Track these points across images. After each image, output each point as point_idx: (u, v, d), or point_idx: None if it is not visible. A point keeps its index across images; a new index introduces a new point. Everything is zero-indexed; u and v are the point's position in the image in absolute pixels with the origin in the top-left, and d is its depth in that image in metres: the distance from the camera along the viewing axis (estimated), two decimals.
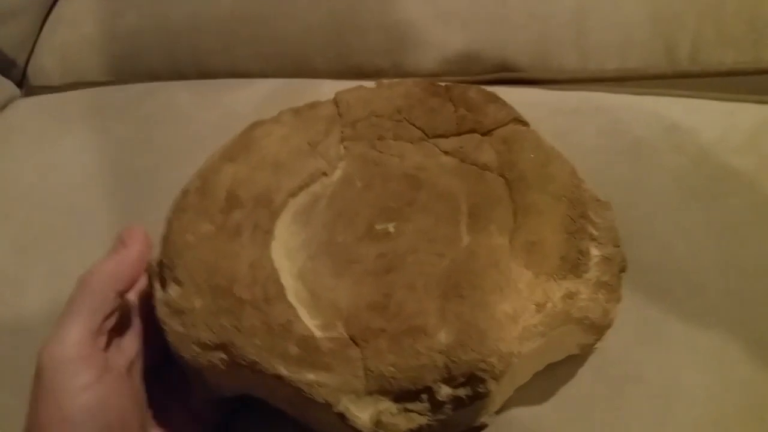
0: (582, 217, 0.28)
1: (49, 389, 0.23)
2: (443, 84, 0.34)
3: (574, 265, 0.27)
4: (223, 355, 0.26)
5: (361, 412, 0.25)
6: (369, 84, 0.35)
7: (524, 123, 0.33)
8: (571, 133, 0.37)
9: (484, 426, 0.28)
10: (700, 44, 0.41)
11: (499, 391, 0.26)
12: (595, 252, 0.28)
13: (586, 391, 0.30)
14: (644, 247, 0.32)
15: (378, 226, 0.29)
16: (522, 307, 0.26)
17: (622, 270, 0.29)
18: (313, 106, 0.34)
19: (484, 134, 0.32)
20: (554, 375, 0.29)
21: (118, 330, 0.27)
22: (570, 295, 0.26)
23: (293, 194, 0.31)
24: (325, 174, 0.32)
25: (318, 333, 0.26)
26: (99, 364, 0.24)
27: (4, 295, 0.36)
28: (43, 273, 0.37)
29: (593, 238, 0.28)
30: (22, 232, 0.39)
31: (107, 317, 0.25)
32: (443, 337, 0.25)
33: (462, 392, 0.25)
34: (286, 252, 0.29)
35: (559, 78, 0.43)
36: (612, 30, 0.42)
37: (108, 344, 0.26)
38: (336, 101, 0.34)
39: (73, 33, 0.50)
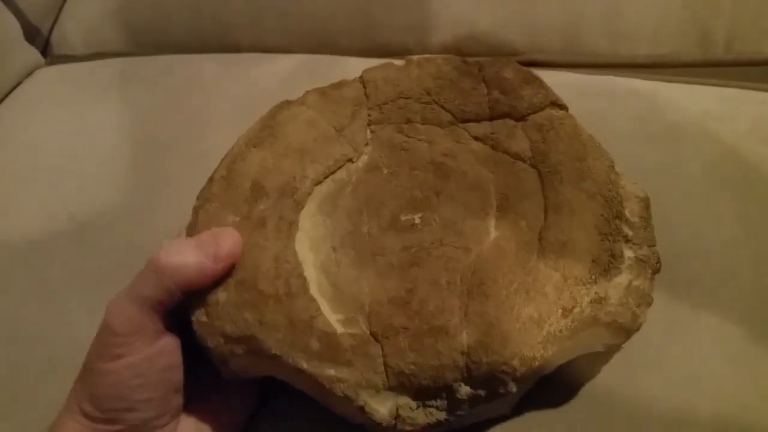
0: (617, 217, 0.27)
1: (104, 344, 0.25)
2: (477, 61, 0.32)
3: (605, 269, 0.26)
4: (246, 347, 0.26)
5: (381, 406, 0.25)
6: (398, 61, 0.33)
7: (562, 106, 0.31)
8: (603, 116, 0.36)
9: (503, 416, 0.27)
10: (735, 32, 0.40)
11: (520, 389, 0.26)
12: (628, 254, 0.27)
13: (608, 378, 0.29)
14: (674, 234, 0.32)
15: (404, 217, 0.28)
16: (548, 311, 0.25)
17: (656, 271, 0.27)
18: (339, 86, 0.33)
19: (518, 120, 0.31)
20: (577, 364, 0.28)
21: None
22: (599, 300, 0.25)
23: (318, 182, 0.30)
24: (350, 160, 0.31)
25: (340, 329, 0.25)
26: (152, 330, 0.25)
27: (31, 261, 0.36)
28: (69, 239, 0.37)
29: (627, 239, 0.27)
30: (48, 197, 0.38)
31: (168, 303, 0.25)
32: (465, 338, 0.25)
33: (482, 391, 0.25)
34: (311, 243, 0.28)
35: (590, 62, 0.41)
36: (645, 15, 0.41)
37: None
38: (363, 81, 0.33)
39: (97, 4, 0.49)
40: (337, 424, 0.27)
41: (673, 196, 0.33)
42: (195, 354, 0.27)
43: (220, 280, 0.26)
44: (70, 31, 0.50)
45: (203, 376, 0.28)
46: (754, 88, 0.37)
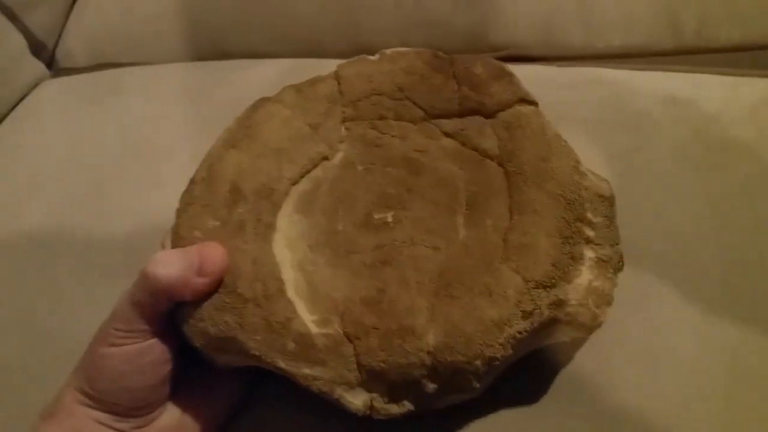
0: (579, 220, 0.27)
1: (105, 333, 0.26)
2: (448, 56, 0.32)
3: (565, 272, 0.26)
4: (229, 347, 0.26)
5: (355, 399, 0.25)
6: (372, 57, 0.33)
7: (531, 102, 0.30)
8: (574, 105, 0.36)
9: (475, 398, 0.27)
10: (706, 19, 0.39)
11: (489, 377, 0.26)
12: (589, 254, 0.26)
13: (574, 356, 0.29)
14: (640, 215, 0.32)
15: (376, 215, 0.28)
16: (508, 314, 0.25)
17: (619, 270, 0.27)
18: (314, 82, 0.32)
19: (487, 116, 0.30)
20: (546, 350, 0.29)
21: None
22: (558, 303, 0.25)
23: (295, 182, 0.30)
24: (326, 158, 0.30)
25: (314, 329, 0.26)
26: (143, 329, 0.26)
27: (39, 260, 0.37)
28: (75, 241, 0.38)
29: (589, 241, 0.27)
30: (54, 201, 0.40)
31: (157, 308, 0.26)
32: (431, 338, 0.25)
33: (448, 386, 0.25)
34: (288, 242, 0.28)
35: (565, 55, 0.41)
36: (617, 6, 0.41)
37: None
38: (337, 76, 0.32)
39: (99, 18, 0.50)
40: (324, 409, 0.27)
41: (640, 178, 0.33)
42: (189, 348, 0.27)
43: (206, 293, 0.26)
44: (73, 45, 0.51)
45: (192, 367, 0.28)
46: (723, 74, 0.37)
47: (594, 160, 0.32)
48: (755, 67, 0.38)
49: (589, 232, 0.27)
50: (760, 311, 0.29)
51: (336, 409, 0.26)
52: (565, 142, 0.29)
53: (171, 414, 0.28)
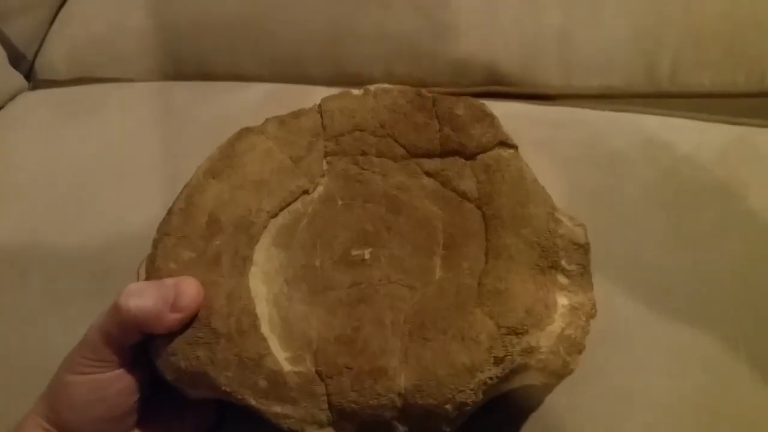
0: (552, 267, 0.27)
1: (73, 360, 0.26)
2: (431, 96, 0.32)
3: (538, 319, 0.26)
4: (200, 382, 0.26)
5: None
6: (356, 90, 0.33)
7: (511, 145, 0.31)
8: (551, 144, 0.37)
9: None
10: (679, 65, 0.41)
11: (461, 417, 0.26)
12: (563, 302, 0.27)
13: None
14: (613, 254, 0.32)
15: (354, 252, 0.29)
16: (480, 359, 0.25)
17: (591, 317, 0.28)
18: (298, 115, 0.33)
19: (467, 158, 0.31)
20: (519, 392, 0.28)
21: None
22: (530, 350, 0.26)
23: (274, 215, 0.30)
24: (306, 192, 0.31)
25: (287, 367, 0.26)
26: (112, 360, 0.26)
27: (7, 277, 0.37)
28: (46, 259, 0.37)
29: (562, 288, 0.27)
30: (26, 217, 0.39)
31: (127, 340, 0.26)
32: (403, 380, 0.25)
33: (418, 429, 0.25)
34: (264, 276, 0.28)
35: (545, 93, 0.42)
36: (596, 48, 0.42)
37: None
38: (320, 110, 0.33)
39: (82, 30, 0.50)
40: None
41: (612, 216, 0.34)
42: (160, 377, 0.27)
43: (177, 328, 0.26)
44: (54, 57, 0.50)
45: (162, 395, 0.28)
46: (695, 118, 0.38)
47: (570, 198, 0.33)
48: (725, 113, 0.39)
49: (563, 280, 0.27)
50: (734, 350, 0.30)
51: None
52: (543, 187, 0.29)
53: None
